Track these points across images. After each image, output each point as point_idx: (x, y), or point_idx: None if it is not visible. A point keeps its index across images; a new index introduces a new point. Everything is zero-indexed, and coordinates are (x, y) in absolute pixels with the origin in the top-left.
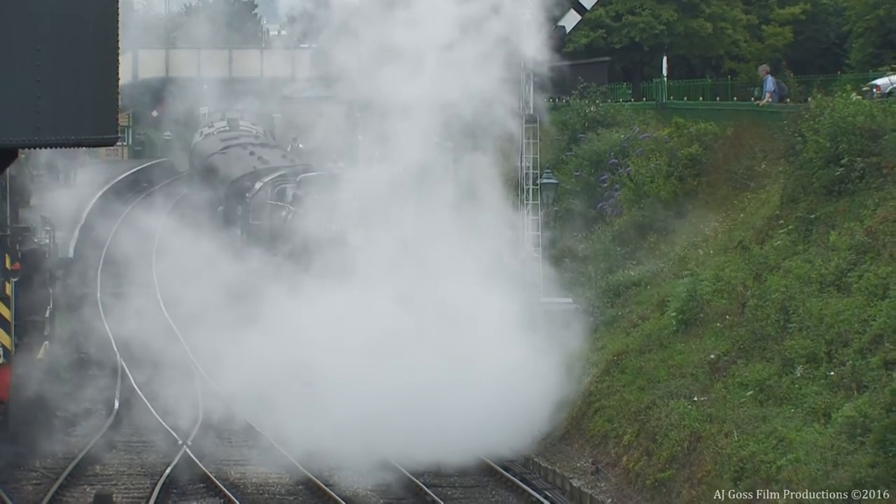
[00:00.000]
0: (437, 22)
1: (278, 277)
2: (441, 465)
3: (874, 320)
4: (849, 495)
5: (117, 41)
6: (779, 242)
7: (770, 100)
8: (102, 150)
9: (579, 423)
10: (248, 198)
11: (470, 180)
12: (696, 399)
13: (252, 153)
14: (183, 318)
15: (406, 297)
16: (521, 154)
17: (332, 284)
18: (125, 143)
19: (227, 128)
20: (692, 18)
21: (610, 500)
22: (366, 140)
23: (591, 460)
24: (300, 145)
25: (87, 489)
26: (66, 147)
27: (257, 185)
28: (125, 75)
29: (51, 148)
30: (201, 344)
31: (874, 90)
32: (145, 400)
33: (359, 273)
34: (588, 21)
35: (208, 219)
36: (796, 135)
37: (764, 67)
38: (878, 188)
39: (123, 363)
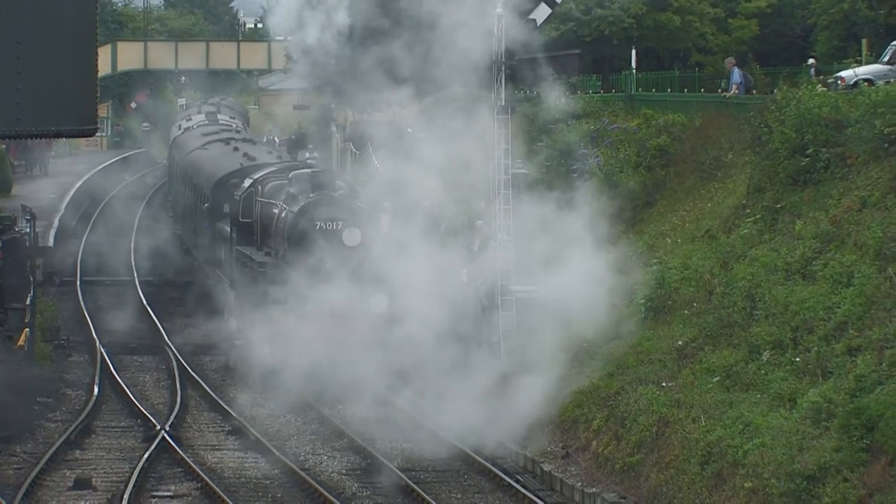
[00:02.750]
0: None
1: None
2: (415, 450)
3: (839, 308)
4: (813, 479)
5: (96, 34)
6: (745, 231)
7: (737, 91)
8: (82, 140)
9: (550, 408)
10: (236, 195)
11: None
12: (664, 385)
13: (236, 149)
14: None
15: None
16: (493, 145)
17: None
18: (104, 134)
19: (205, 121)
20: (660, 12)
21: (580, 484)
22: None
23: (561, 445)
24: (275, 138)
25: (67, 473)
26: (46, 137)
27: (246, 183)
28: (104, 67)
29: (32, 138)
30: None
31: (839, 82)
32: (124, 386)
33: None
34: (558, 14)
35: (193, 216)
36: (762, 126)
37: (730, 60)
38: (843, 178)
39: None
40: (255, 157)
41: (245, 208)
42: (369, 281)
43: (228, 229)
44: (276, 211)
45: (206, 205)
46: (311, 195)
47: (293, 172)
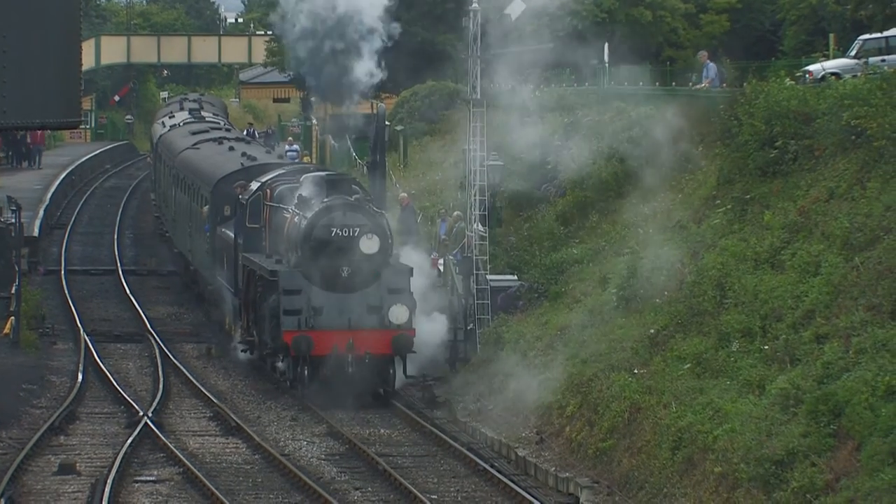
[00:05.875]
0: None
1: None
2: (392, 435)
3: (806, 296)
4: (781, 464)
5: (80, 28)
6: (715, 222)
7: (708, 85)
8: (66, 132)
9: (524, 395)
10: (243, 199)
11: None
12: (636, 372)
13: (232, 149)
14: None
15: None
16: (469, 137)
17: None
18: (88, 126)
19: (191, 119)
20: (633, 7)
21: (553, 469)
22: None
23: (535, 430)
24: (255, 132)
25: (52, 458)
26: (31, 129)
27: (253, 185)
28: (88, 61)
29: (17, 130)
30: None
31: (807, 76)
32: (107, 373)
33: None
34: (532, 9)
35: (187, 218)
36: (732, 118)
37: (703, 53)
38: (811, 170)
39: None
40: (256, 157)
41: (252, 213)
42: (389, 292)
43: (232, 234)
44: (287, 216)
45: (206, 207)
46: (326, 200)
47: (305, 175)
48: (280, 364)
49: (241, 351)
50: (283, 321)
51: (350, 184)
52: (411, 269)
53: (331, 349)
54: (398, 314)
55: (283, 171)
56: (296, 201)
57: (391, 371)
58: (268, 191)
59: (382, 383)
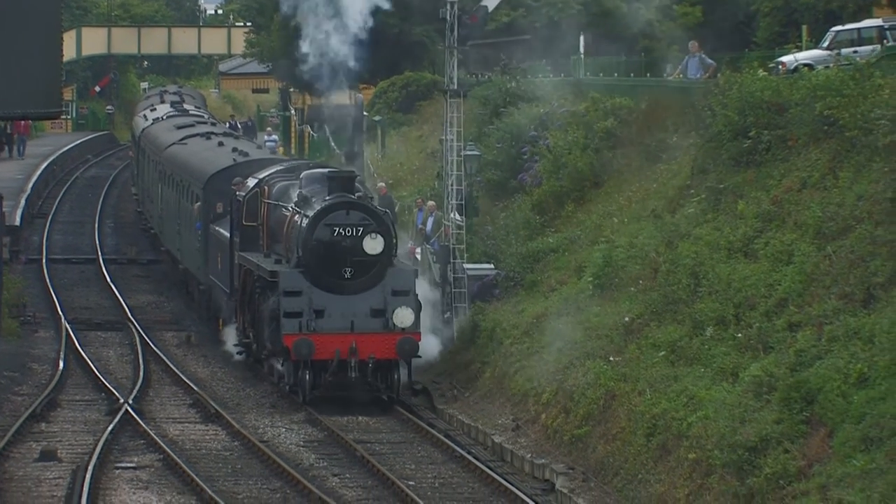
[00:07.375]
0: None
1: None
2: (370, 422)
3: (779, 285)
4: (755, 450)
5: (61, 20)
6: (690, 211)
7: (678, 77)
8: (47, 122)
9: (500, 383)
10: (239, 196)
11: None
12: (611, 359)
13: (221, 144)
14: None
15: None
16: (446, 127)
17: None
18: (69, 117)
19: (174, 112)
20: None
21: (529, 455)
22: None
23: (511, 417)
24: (237, 123)
25: (33, 445)
26: (12, 119)
27: (251, 182)
28: (69, 52)
29: None
30: None
31: (780, 67)
32: (88, 360)
33: None
34: (509, 0)
35: (176, 215)
36: (706, 109)
37: (693, 43)
38: (784, 160)
39: None
40: (248, 152)
41: (249, 210)
42: (393, 294)
43: (226, 233)
44: (286, 214)
45: (198, 203)
46: (328, 198)
47: (305, 172)
48: (280, 368)
49: (237, 353)
50: (284, 324)
51: (353, 181)
52: (416, 270)
53: (333, 353)
54: (403, 317)
55: (282, 167)
56: (296, 199)
57: (396, 376)
58: (265, 188)
59: (386, 389)
